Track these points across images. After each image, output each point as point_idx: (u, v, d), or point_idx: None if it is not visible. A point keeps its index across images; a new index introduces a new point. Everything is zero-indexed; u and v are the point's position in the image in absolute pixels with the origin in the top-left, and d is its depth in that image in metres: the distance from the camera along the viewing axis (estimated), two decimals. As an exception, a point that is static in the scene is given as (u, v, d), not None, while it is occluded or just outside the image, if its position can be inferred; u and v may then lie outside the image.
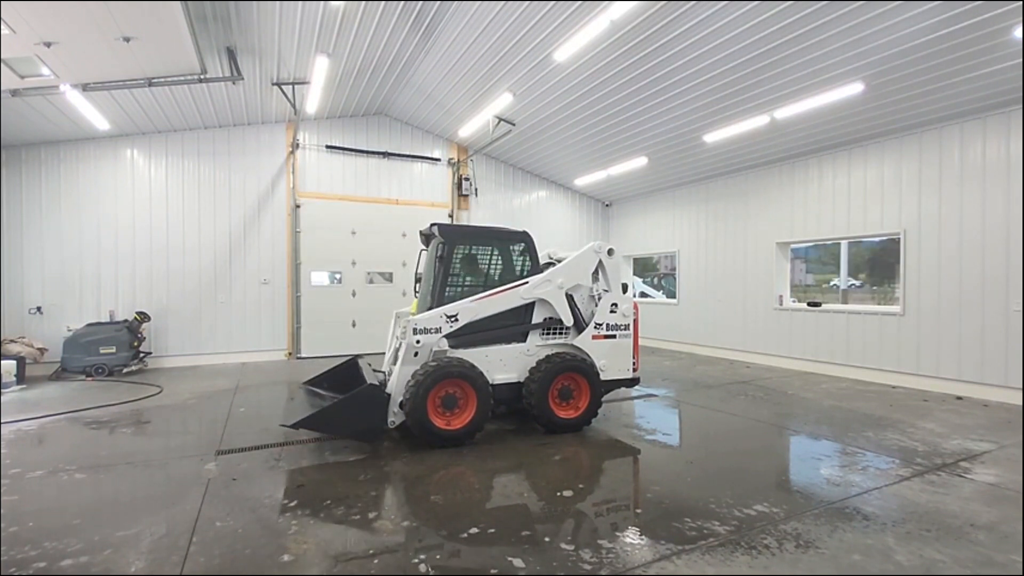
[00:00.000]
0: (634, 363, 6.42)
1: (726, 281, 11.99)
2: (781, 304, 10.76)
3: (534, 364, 5.85)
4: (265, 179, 11.39)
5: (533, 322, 6.02)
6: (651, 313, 14.35)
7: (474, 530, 3.60)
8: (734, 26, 6.76)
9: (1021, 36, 5.88)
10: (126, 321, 9.89)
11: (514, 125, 11.17)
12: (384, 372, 6.20)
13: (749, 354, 11.35)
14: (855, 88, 7.40)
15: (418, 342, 5.39)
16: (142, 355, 10.03)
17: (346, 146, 12.14)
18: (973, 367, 7.82)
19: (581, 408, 5.97)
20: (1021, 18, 5.67)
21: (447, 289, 5.84)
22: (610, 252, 6.40)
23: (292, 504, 3.99)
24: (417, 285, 6.63)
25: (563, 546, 3.36)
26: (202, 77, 7.82)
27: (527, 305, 5.98)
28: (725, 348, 11.96)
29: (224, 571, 3.08)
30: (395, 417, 5.32)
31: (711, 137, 9.83)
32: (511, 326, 5.96)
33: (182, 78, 7.77)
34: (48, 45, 6.12)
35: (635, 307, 6.44)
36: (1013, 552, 3.32)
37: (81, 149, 10.01)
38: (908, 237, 8.61)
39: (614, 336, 6.28)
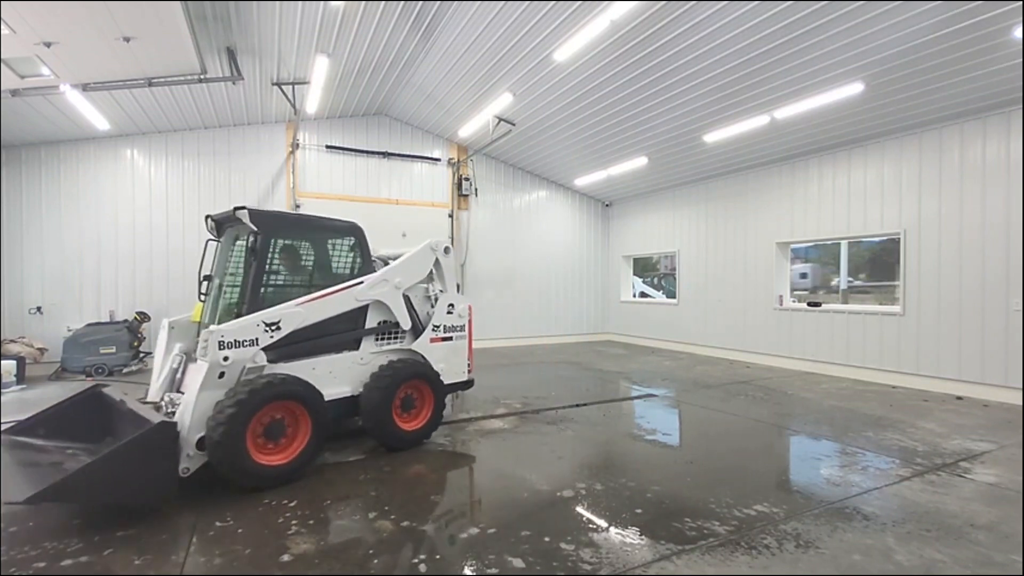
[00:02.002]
0: (468, 365, 6.14)
1: (726, 281, 11.98)
2: (781, 304, 10.76)
3: (371, 373, 5.19)
4: (265, 179, 11.39)
5: (367, 326, 5.35)
6: (651, 313, 14.36)
7: (474, 530, 3.60)
8: (734, 26, 6.76)
9: (1021, 36, 5.88)
10: (126, 321, 9.90)
11: (514, 125, 11.17)
12: (160, 402, 4.79)
13: (749, 354, 11.34)
14: (855, 88, 7.41)
15: (226, 359, 4.24)
16: (142, 355, 10.02)
17: (346, 146, 12.14)
18: (973, 367, 7.82)
19: (424, 418, 5.48)
20: (1021, 18, 5.68)
21: (262, 290, 4.84)
22: (446, 250, 5.96)
23: (292, 504, 3.99)
24: (204, 286, 5.31)
25: (563, 546, 3.36)
26: (202, 77, 7.82)
27: (361, 308, 5.28)
28: (725, 348, 11.95)
29: (224, 571, 3.09)
30: (190, 463, 4.06)
31: (711, 137, 9.83)
32: (344, 332, 5.20)
33: (182, 78, 7.77)
34: (48, 45, 6.12)
35: (469, 308, 6.17)
36: (1013, 552, 3.32)
37: (81, 149, 10.01)
38: (908, 237, 8.61)
39: (451, 338, 5.93)
